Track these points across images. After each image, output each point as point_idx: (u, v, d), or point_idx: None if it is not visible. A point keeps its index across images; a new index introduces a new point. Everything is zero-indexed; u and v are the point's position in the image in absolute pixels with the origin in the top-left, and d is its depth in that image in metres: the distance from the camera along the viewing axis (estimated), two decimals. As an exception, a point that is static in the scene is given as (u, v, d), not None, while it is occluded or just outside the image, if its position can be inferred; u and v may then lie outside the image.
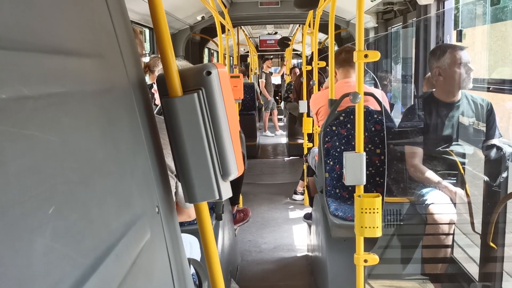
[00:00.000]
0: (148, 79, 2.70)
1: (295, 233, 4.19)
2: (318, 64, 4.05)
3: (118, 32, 0.72)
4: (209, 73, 0.78)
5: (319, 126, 3.27)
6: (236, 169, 0.83)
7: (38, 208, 0.42)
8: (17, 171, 0.40)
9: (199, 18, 5.66)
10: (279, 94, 13.39)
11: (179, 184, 1.38)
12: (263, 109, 9.78)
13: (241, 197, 4.34)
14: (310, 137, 4.72)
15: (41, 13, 0.49)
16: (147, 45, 5.09)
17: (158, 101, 2.12)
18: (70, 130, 0.51)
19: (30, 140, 0.42)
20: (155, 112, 1.03)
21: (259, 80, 10.28)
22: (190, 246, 1.78)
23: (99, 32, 0.66)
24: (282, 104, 12.11)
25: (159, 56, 0.82)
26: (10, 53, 0.42)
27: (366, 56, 1.62)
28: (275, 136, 9.76)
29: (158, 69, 2.14)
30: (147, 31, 4.99)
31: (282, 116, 11.80)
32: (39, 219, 0.41)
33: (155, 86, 2.12)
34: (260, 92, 9.59)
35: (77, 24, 0.59)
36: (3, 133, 0.39)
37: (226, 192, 0.83)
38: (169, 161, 1.08)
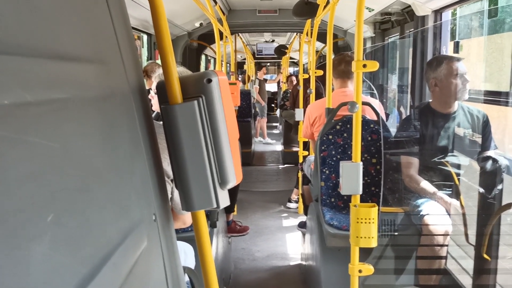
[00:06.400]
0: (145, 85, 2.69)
1: (288, 242, 4.17)
2: (315, 72, 4.06)
3: (119, 38, 0.72)
4: (209, 80, 0.78)
5: (308, 138, 3.27)
6: (234, 177, 0.82)
7: (37, 215, 0.41)
8: (17, 178, 0.39)
9: (197, 24, 5.67)
10: (275, 101, 13.41)
11: (175, 190, 1.37)
12: (258, 115, 9.77)
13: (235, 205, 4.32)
14: (306, 145, 4.72)
15: (43, 18, 0.49)
16: (144, 51, 5.09)
17: (155, 107, 2.11)
18: (71, 137, 0.50)
19: (31, 146, 0.42)
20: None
21: (253, 86, 10.37)
22: (185, 254, 1.77)
23: (100, 38, 0.66)
24: (278, 112, 12.14)
25: (157, 61, 0.82)
26: (12, 58, 0.41)
27: (364, 66, 1.63)
28: (269, 143, 9.74)
29: (155, 75, 2.13)
30: (145, 37, 4.99)
31: (277, 124, 11.80)
32: (38, 227, 0.41)
33: (152, 92, 2.12)
34: (255, 99, 9.64)
35: (79, 30, 0.58)
36: (4, 139, 0.38)
37: (224, 200, 0.83)
38: (165, 165, 1.07)
